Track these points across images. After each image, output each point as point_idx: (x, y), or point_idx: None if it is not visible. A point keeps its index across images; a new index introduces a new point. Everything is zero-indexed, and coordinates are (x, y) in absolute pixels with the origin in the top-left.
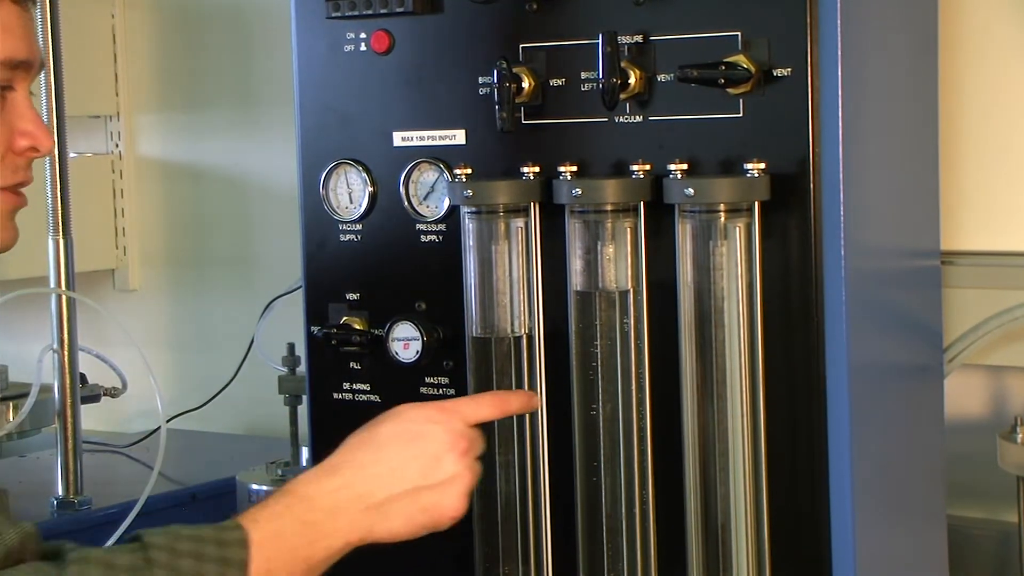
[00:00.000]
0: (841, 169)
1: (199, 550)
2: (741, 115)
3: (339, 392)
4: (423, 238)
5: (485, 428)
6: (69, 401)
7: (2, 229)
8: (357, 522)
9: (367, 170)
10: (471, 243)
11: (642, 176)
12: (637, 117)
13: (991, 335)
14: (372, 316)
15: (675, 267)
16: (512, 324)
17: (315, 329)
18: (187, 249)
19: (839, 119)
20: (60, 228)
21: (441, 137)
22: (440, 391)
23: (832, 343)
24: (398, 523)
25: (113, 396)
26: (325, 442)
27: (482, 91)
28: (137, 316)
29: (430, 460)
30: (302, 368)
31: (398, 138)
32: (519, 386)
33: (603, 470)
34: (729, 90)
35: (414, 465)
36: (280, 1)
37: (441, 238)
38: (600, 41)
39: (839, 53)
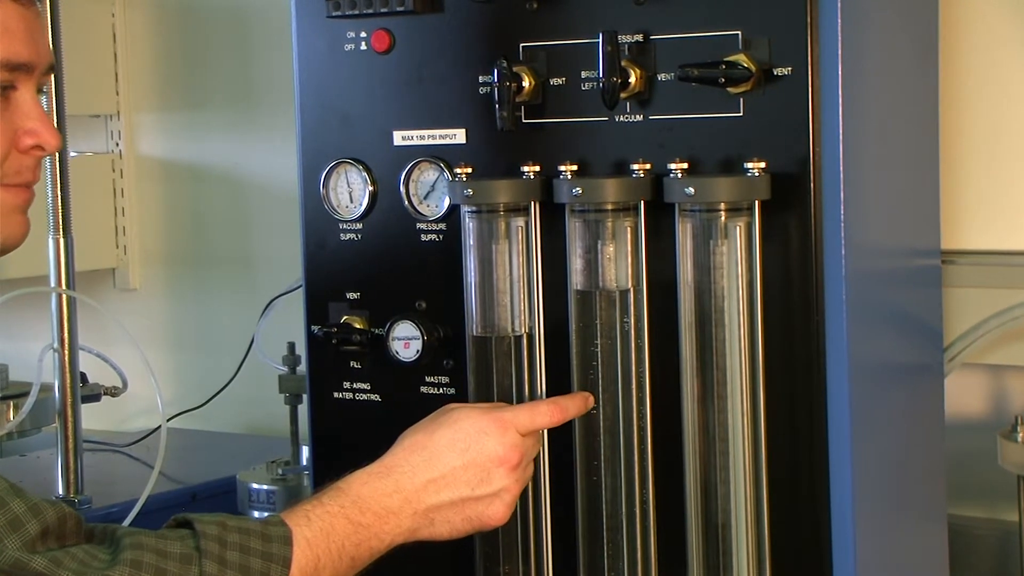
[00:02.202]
0: (841, 168)
1: (245, 543)
2: (741, 114)
3: (339, 391)
4: (423, 237)
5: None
6: (69, 400)
7: (15, 224)
8: (404, 525)
9: (367, 169)
10: (471, 242)
11: (642, 175)
12: (637, 116)
13: (991, 334)
14: (372, 315)
15: (675, 266)
16: (512, 323)
17: (315, 328)
18: (187, 248)
19: (839, 118)
20: (60, 227)
21: (441, 136)
22: (440, 390)
23: (832, 342)
24: (443, 529)
25: (113, 395)
26: (325, 441)
27: (482, 90)
28: (137, 315)
29: (480, 473)
30: (302, 367)
31: (398, 137)
32: (519, 385)
33: (603, 469)
34: (729, 89)
35: (464, 476)
36: (280, 0)
37: (441, 237)
38: (600, 40)
39: (839, 52)
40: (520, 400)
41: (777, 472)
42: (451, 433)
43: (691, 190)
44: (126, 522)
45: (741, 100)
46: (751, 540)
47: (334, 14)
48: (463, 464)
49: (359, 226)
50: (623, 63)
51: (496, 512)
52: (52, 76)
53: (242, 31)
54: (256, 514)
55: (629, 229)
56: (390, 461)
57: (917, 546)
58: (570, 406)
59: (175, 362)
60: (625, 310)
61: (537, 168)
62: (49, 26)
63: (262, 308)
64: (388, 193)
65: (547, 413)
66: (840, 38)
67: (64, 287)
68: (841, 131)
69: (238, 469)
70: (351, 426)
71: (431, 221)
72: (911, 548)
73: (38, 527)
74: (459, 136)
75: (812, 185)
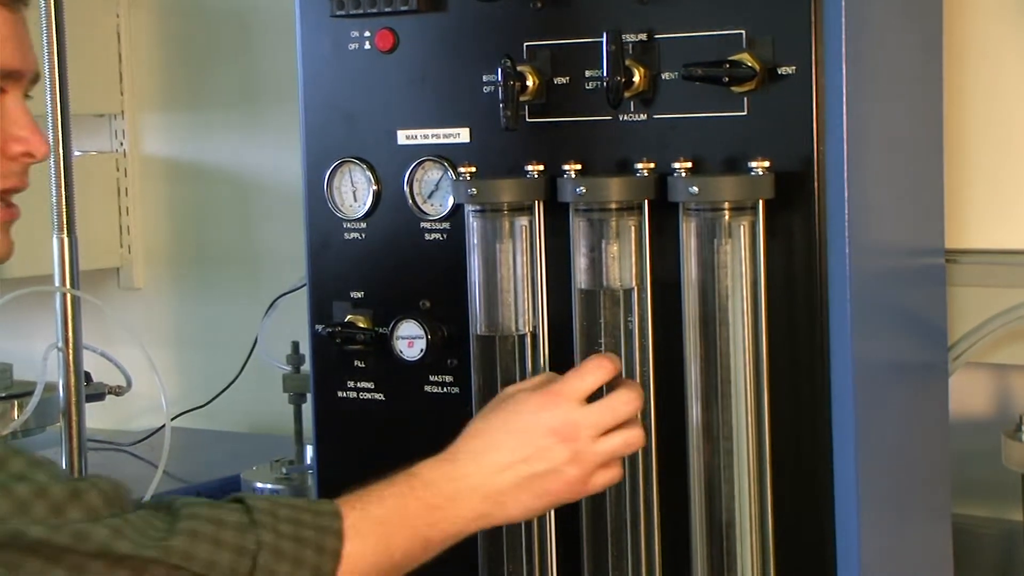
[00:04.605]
0: (845, 167)
1: (297, 516)
2: (746, 113)
3: (343, 390)
4: (427, 236)
5: None
6: (74, 399)
7: None
8: (476, 510)
9: (371, 168)
10: (475, 241)
11: (646, 174)
12: (641, 115)
13: (996, 333)
14: (376, 314)
15: (679, 265)
16: (516, 322)
17: (319, 327)
18: (191, 247)
19: (843, 117)
20: (65, 226)
21: (445, 135)
22: (444, 390)
23: (836, 341)
24: (515, 511)
25: (118, 394)
26: (329, 440)
27: (486, 89)
28: (141, 314)
29: (538, 451)
30: (306, 366)
31: (402, 136)
32: None
33: None
34: (733, 88)
35: (521, 455)
36: (284, 0)
37: (445, 236)
38: (604, 39)
39: (843, 51)
40: None
41: (781, 471)
42: (504, 415)
43: (695, 189)
44: None
45: (745, 99)
46: (755, 539)
47: (338, 13)
48: (519, 444)
49: (363, 225)
50: (627, 62)
51: (562, 487)
52: (47, 74)
53: (246, 31)
54: None
55: (633, 228)
56: (454, 448)
57: (921, 545)
58: (615, 359)
59: (179, 361)
60: (629, 309)
61: (541, 167)
62: (54, 25)
63: (266, 307)
64: (392, 192)
65: (593, 372)
66: (844, 37)
67: (68, 286)
68: (845, 130)
69: (242, 468)
70: (355, 425)
71: (435, 220)
72: (915, 547)
73: (99, 497)
74: (463, 135)
75: (816, 184)
